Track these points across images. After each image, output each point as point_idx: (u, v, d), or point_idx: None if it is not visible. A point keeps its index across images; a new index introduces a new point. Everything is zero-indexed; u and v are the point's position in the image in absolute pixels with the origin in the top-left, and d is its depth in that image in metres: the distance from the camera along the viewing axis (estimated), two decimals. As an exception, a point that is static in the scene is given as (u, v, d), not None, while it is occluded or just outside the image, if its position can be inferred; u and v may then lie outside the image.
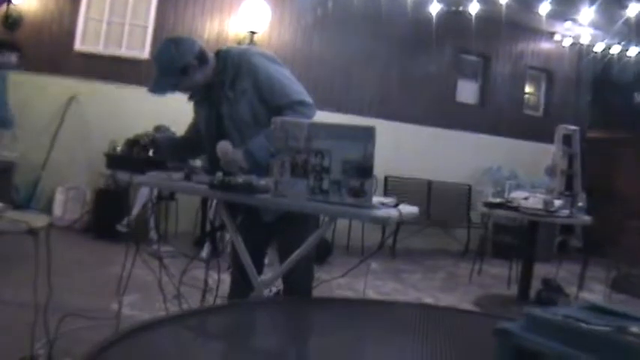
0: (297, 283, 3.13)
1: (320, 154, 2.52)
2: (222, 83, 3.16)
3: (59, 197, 8.03)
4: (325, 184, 2.53)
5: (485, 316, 1.87)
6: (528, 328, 1.22)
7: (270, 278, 2.98)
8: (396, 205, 2.62)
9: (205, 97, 3.28)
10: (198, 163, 3.89)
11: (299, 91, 3.12)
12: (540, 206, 6.02)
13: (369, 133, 2.44)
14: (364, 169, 2.44)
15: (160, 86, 3.24)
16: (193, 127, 3.53)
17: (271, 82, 3.09)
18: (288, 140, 2.60)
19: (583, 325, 1.19)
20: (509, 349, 1.22)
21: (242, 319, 1.71)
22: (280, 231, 3.21)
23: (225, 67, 3.16)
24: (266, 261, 3.74)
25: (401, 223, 2.46)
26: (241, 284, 3.14)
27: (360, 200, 2.45)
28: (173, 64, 3.13)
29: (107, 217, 7.57)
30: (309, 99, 3.10)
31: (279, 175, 2.65)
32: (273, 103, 3.06)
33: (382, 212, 2.48)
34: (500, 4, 8.83)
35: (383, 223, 2.61)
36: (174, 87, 3.24)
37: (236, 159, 2.98)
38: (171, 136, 3.81)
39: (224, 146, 3.01)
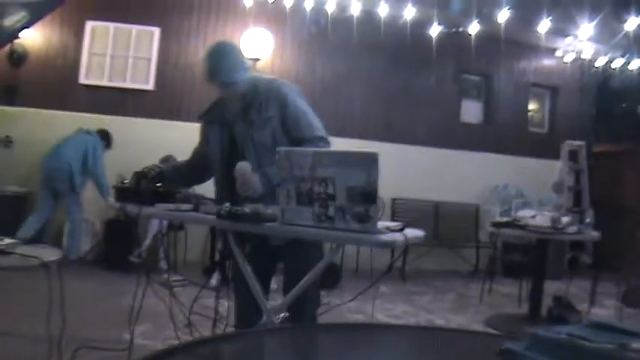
0: (303, 309, 3.12)
1: (324, 181, 2.56)
2: (249, 107, 3.18)
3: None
4: (331, 211, 2.56)
5: (495, 337, 1.88)
6: (533, 348, 1.24)
7: (280, 304, 3.00)
8: (401, 229, 2.65)
9: (219, 116, 3.33)
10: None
11: (320, 127, 3.20)
12: (548, 224, 6.02)
13: (372, 159, 2.47)
14: (369, 195, 2.47)
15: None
16: (200, 151, 3.55)
17: (298, 115, 3.15)
18: (293, 169, 2.64)
19: (586, 343, 1.21)
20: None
21: (256, 347, 1.73)
22: (287, 255, 3.23)
23: (257, 92, 3.19)
24: (275, 286, 3.77)
25: (407, 246, 2.48)
26: (246, 313, 3.17)
27: (366, 226, 2.48)
28: (229, 73, 3.16)
29: (117, 248, 7.62)
30: (327, 136, 3.20)
31: (285, 204, 2.69)
32: (296, 135, 3.12)
33: (387, 237, 2.51)
34: (499, 24, 8.90)
35: (388, 247, 2.64)
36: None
37: (253, 181, 3.00)
38: (175, 164, 3.81)
39: (244, 167, 3.00)
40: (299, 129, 3.13)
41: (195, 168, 3.58)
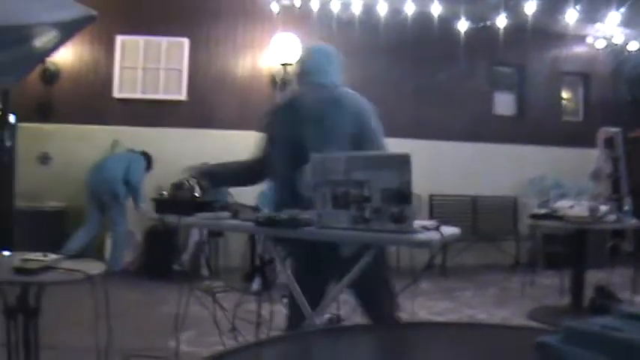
0: (381, 309, 3.16)
1: (359, 184, 2.61)
2: (327, 116, 3.17)
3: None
4: (367, 213, 2.61)
5: (535, 331, 1.89)
6: (567, 341, 1.25)
7: (321, 306, 3.04)
8: (437, 228, 2.68)
9: (289, 119, 3.30)
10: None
11: (386, 148, 3.24)
12: (586, 214, 5.98)
13: (404, 161, 2.52)
14: (403, 196, 2.51)
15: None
16: (261, 153, 3.48)
17: (372, 138, 3.17)
18: (328, 174, 2.69)
19: (618, 334, 1.22)
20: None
21: (303, 350, 1.76)
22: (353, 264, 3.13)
23: (340, 104, 3.19)
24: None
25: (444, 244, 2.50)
26: (299, 315, 3.20)
27: (402, 226, 2.52)
28: (327, 76, 3.26)
29: (159, 258, 7.73)
30: None
31: (321, 208, 2.73)
32: (364, 149, 3.09)
33: (423, 236, 2.55)
34: (527, 15, 8.84)
35: (425, 247, 2.67)
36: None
37: None
38: (229, 164, 3.79)
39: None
40: (368, 146, 3.11)
41: (253, 170, 3.56)
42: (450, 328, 2.17)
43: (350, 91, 3.34)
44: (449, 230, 2.72)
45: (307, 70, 3.26)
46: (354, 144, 3.09)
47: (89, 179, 7.71)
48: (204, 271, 7.33)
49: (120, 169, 7.69)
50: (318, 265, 3.16)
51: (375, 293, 3.15)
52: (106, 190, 7.63)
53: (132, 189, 7.73)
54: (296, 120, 3.23)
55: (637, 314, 1.38)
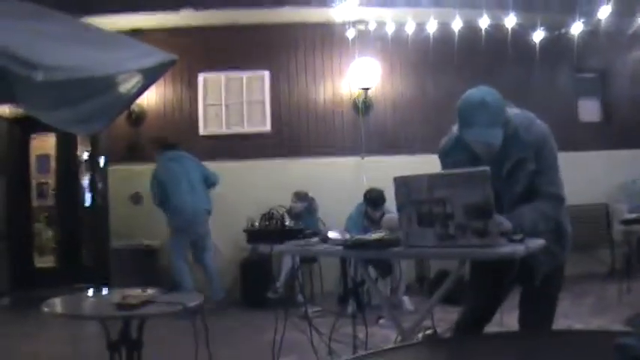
0: (534, 324, 3.17)
1: (442, 202, 2.68)
2: (506, 157, 3.00)
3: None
4: (451, 230, 2.68)
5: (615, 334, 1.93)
6: (645, 341, 1.31)
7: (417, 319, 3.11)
8: (521, 240, 2.72)
9: (466, 158, 3.08)
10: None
11: (560, 184, 3.10)
12: (679, 216, 5.86)
13: (483, 176, 2.58)
14: (485, 210, 2.57)
15: (493, 136, 2.93)
16: None
17: (546, 168, 3.03)
18: (411, 194, 2.78)
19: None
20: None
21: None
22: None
23: (517, 141, 3.01)
24: (411, 307, 3.86)
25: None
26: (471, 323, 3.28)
27: (486, 240, 2.58)
28: (501, 114, 2.96)
29: (254, 286, 7.88)
30: (564, 195, 3.11)
31: (407, 227, 2.82)
32: (533, 185, 3.02)
33: (507, 249, 2.59)
34: (600, 19, 8.70)
35: (509, 259, 2.71)
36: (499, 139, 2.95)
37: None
38: None
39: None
40: (540, 182, 3.01)
41: None
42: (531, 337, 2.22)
43: (519, 115, 3.17)
44: (534, 242, 2.74)
45: (472, 130, 2.95)
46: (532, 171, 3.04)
47: (184, 217, 7.54)
48: (299, 297, 7.45)
49: (204, 189, 7.80)
50: (508, 277, 3.12)
51: (539, 307, 3.20)
52: (201, 222, 7.67)
53: (212, 182, 7.90)
54: (471, 162, 3.06)
55: None
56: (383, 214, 6.89)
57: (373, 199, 7.28)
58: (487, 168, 2.63)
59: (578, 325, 6.21)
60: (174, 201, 7.40)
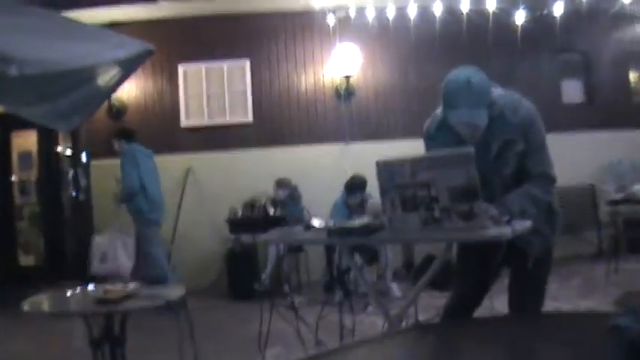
0: (524, 308, 3.14)
1: (426, 185, 2.62)
2: (492, 136, 2.92)
3: (190, 266, 8.27)
4: (436, 213, 2.62)
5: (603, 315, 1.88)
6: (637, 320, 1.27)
7: (401, 310, 3.06)
8: (508, 221, 2.67)
9: (451, 140, 2.99)
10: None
11: (551, 162, 3.01)
12: (665, 194, 5.85)
13: (468, 158, 2.53)
14: (470, 193, 2.52)
15: (478, 117, 2.85)
16: None
17: (535, 148, 2.96)
18: (394, 178, 2.71)
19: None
20: (626, 344, 1.27)
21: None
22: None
23: (504, 122, 2.92)
24: (398, 294, 3.82)
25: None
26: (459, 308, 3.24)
27: (472, 223, 2.53)
28: (486, 95, 2.88)
29: (239, 277, 7.81)
30: (555, 175, 3.03)
31: (391, 212, 2.76)
32: (525, 166, 2.96)
33: (494, 231, 2.54)
34: (582, 0, 8.67)
35: (495, 241, 2.66)
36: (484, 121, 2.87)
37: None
38: None
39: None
40: (529, 163, 2.95)
41: None
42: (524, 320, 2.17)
43: (505, 96, 3.08)
44: (520, 224, 2.69)
45: (476, 95, 2.84)
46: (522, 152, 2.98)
47: (159, 205, 7.45)
48: (286, 287, 7.40)
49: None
50: (495, 260, 3.11)
51: (529, 290, 3.15)
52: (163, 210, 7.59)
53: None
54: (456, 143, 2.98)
55: None
56: (362, 201, 6.84)
57: (348, 185, 7.10)
58: (472, 149, 2.57)
59: (566, 307, 6.19)
60: (154, 195, 7.31)
